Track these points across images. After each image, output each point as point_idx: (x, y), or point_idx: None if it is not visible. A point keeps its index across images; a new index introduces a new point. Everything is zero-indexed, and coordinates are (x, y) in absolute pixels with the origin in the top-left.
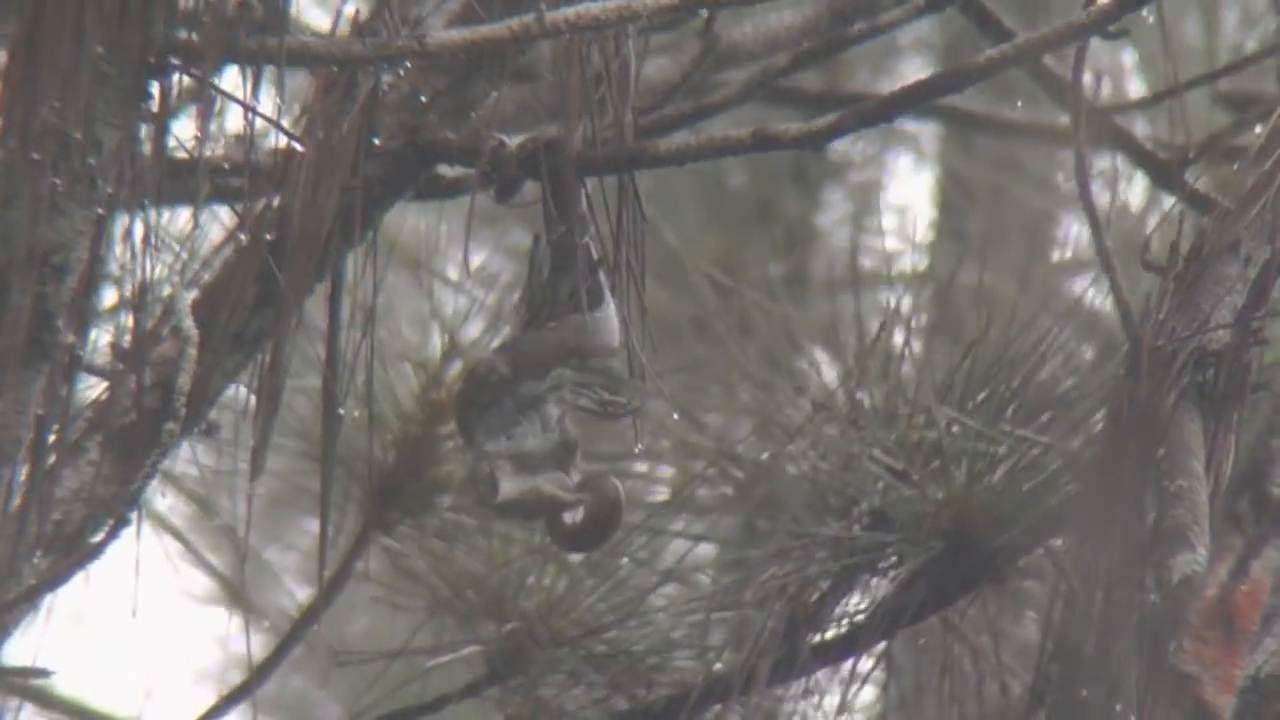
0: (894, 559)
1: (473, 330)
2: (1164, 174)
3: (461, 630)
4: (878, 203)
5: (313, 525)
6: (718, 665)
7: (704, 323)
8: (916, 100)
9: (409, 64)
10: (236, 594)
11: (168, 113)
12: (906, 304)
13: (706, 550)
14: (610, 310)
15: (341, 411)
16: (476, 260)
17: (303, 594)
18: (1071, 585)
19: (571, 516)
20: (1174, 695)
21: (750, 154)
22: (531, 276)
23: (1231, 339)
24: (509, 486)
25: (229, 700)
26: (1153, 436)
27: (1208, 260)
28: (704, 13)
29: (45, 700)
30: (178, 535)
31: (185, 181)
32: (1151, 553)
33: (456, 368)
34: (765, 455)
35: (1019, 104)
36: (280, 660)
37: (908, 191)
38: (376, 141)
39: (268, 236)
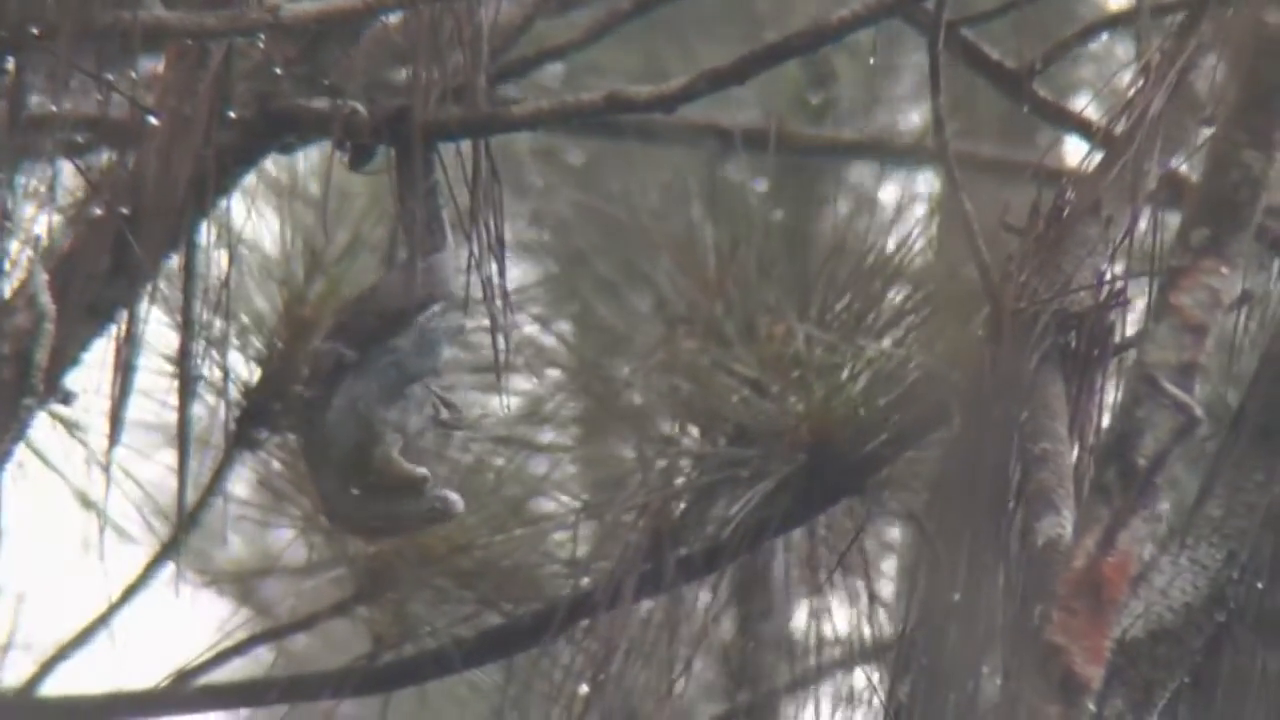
0: (756, 472)
1: (334, 248)
2: (1013, 85)
3: (329, 548)
4: None
5: None
6: (584, 580)
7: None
8: (770, 61)
9: (262, 36)
10: (104, 519)
11: (23, 87)
12: (764, 216)
13: (570, 466)
14: (447, 256)
15: (199, 376)
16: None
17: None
18: (936, 548)
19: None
20: (1043, 666)
21: (602, 116)
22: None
23: (1093, 301)
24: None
25: (94, 624)
26: (1016, 399)
27: (1069, 221)
28: None
29: None
30: (48, 463)
31: (40, 152)
32: (1016, 516)
33: (320, 285)
34: (626, 370)
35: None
36: (146, 583)
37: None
38: (230, 111)
39: (121, 207)
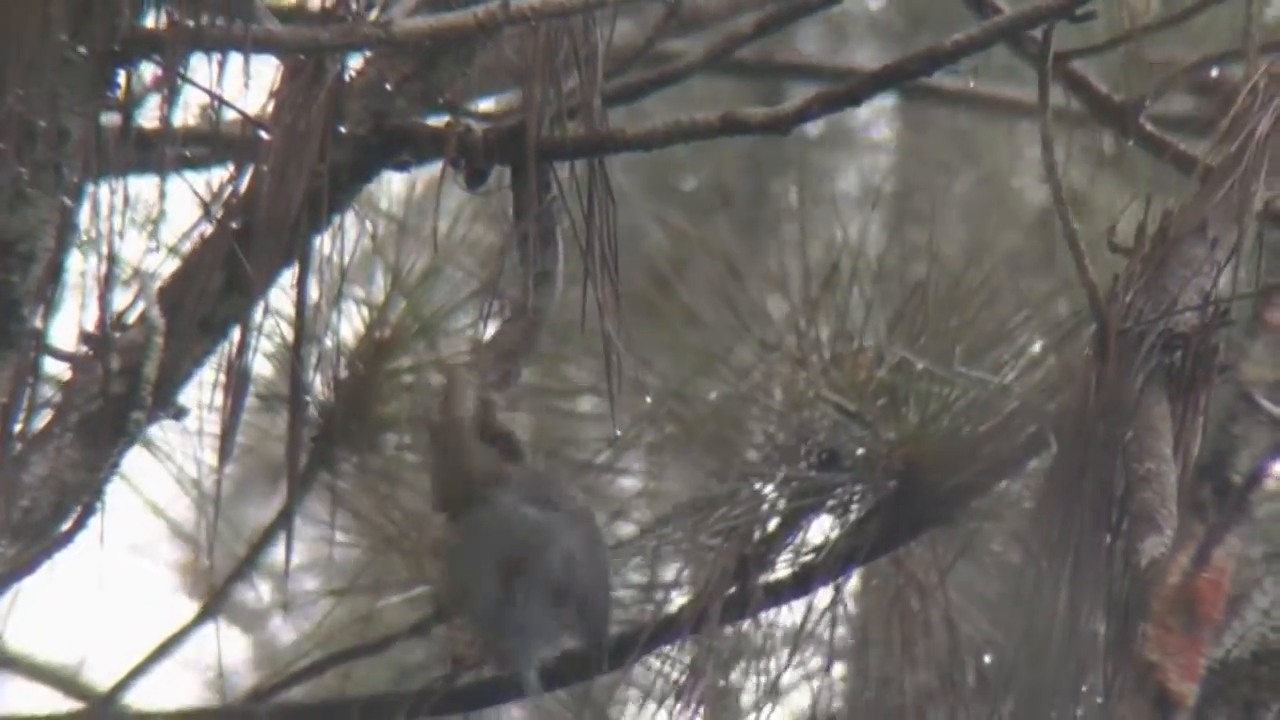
0: (845, 499)
1: (415, 267)
2: (1119, 119)
3: (408, 569)
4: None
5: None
6: (669, 606)
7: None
8: (884, 84)
9: (374, 51)
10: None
11: (133, 101)
12: (855, 241)
13: (655, 490)
14: (553, 296)
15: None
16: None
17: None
18: (1039, 567)
19: None
20: (1137, 683)
21: (717, 137)
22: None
23: (1199, 321)
24: None
25: (170, 640)
26: (1120, 419)
27: (1174, 242)
28: None
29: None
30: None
31: (151, 165)
32: (1119, 535)
33: (400, 306)
34: (714, 395)
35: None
36: (222, 601)
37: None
38: (343, 128)
39: (234, 223)
